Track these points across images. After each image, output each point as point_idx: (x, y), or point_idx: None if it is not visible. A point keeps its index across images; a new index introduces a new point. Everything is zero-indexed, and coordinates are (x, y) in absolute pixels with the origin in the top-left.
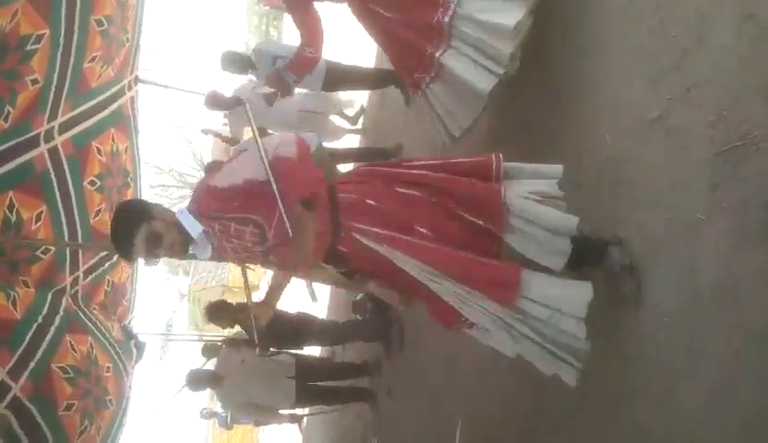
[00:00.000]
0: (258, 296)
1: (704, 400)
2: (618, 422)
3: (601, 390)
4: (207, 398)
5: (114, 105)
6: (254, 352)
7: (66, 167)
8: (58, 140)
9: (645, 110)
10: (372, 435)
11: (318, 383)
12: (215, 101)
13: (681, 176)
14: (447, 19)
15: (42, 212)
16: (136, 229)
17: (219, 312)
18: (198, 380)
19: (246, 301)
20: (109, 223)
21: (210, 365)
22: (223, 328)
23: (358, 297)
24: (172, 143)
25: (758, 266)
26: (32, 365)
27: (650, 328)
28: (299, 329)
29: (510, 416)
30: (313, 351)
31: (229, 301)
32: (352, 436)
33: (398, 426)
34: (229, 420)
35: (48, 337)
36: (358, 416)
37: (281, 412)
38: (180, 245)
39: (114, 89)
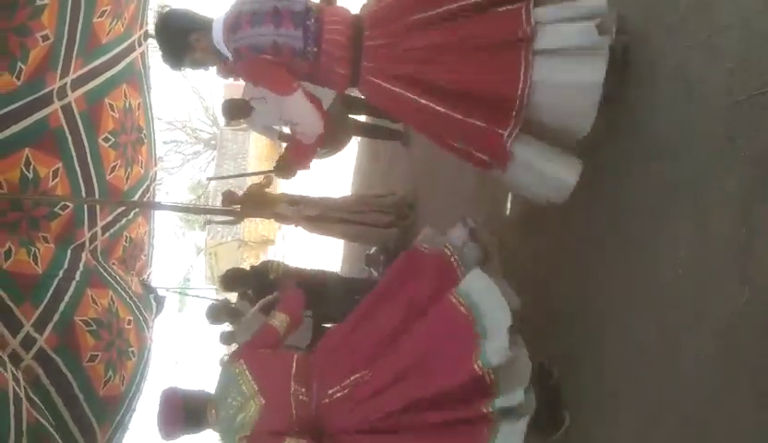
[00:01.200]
0: (272, 251)
1: (713, 349)
2: (627, 370)
3: (603, 341)
4: (225, 348)
5: (126, 61)
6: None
7: (80, 124)
8: (71, 97)
9: (661, 59)
10: None
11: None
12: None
13: (698, 127)
14: None
15: (58, 169)
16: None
17: (232, 279)
18: (216, 312)
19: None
20: (124, 179)
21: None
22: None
23: (372, 251)
24: (184, 98)
25: None
26: (56, 317)
27: (661, 279)
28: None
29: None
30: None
31: (243, 267)
32: None
33: None
34: None
35: (70, 291)
36: None
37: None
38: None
39: (124, 45)
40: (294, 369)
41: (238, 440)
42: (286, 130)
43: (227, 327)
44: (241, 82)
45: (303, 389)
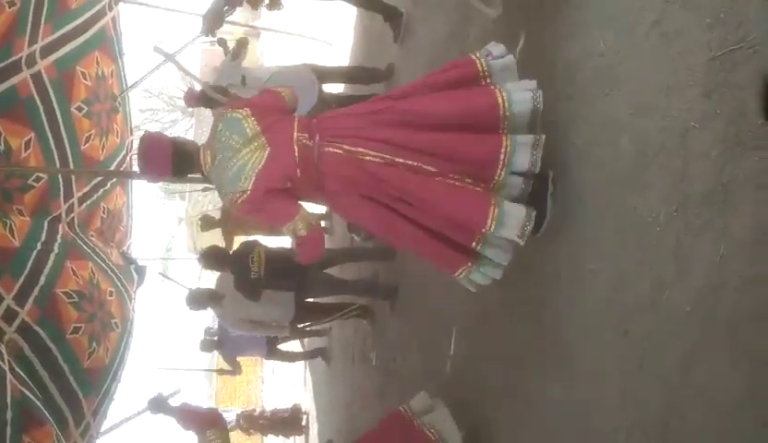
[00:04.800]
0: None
1: (690, 305)
2: (602, 328)
3: (588, 296)
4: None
5: (96, 26)
6: None
7: (51, 92)
8: (41, 64)
9: (641, 14)
10: (371, 349)
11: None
12: (197, 98)
13: (676, 83)
14: None
15: (30, 139)
16: None
17: (211, 258)
18: (197, 299)
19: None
20: (100, 149)
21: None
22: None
23: None
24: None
25: (748, 172)
26: (37, 290)
27: (638, 233)
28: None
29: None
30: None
31: (220, 246)
32: (351, 351)
33: (396, 340)
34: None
35: (49, 263)
36: (356, 331)
37: (281, 327)
38: None
39: (94, 10)
40: (296, 122)
41: (238, 195)
42: None
43: (209, 316)
44: (217, 47)
45: (305, 135)
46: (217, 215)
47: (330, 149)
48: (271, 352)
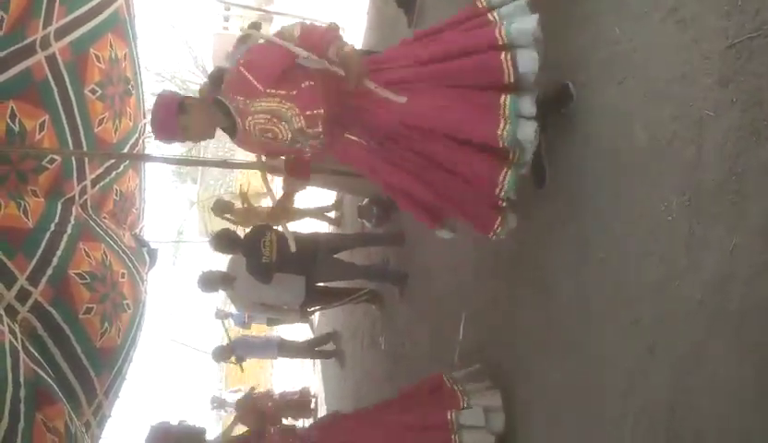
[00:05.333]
0: (266, 204)
1: (701, 295)
2: (612, 316)
3: (597, 284)
4: (221, 299)
5: (110, 9)
6: None
7: (65, 75)
8: (55, 47)
9: (657, 1)
10: (380, 334)
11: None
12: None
13: (691, 71)
14: None
15: (44, 121)
16: None
17: (224, 241)
18: (209, 281)
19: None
20: (113, 132)
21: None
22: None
23: (364, 202)
24: (172, 49)
25: (763, 162)
26: (50, 271)
27: (650, 221)
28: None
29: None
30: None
31: (232, 229)
32: (361, 335)
33: (405, 325)
34: (246, 319)
35: (62, 244)
36: (365, 315)
37: (291, 310)
38: None
39: None
40: None
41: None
42: None
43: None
44: (230, 31)
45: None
46: (232, 203)
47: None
48: (282, 348)
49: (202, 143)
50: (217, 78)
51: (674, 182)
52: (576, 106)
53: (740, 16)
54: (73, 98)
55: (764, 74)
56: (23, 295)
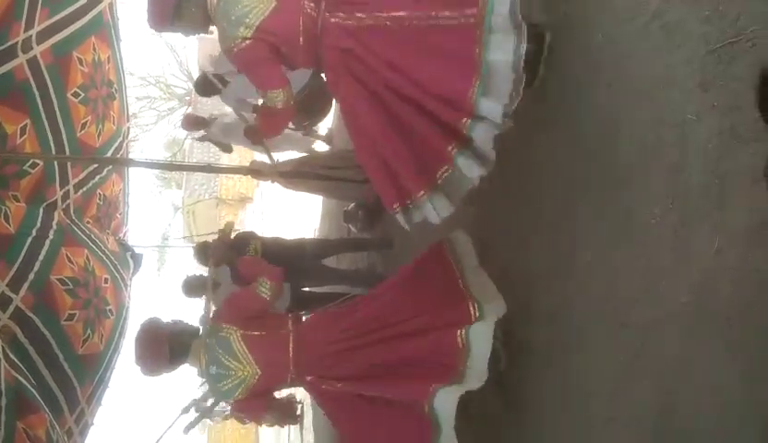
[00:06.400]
0: (251, 209)
1: (686, 297)
2: (599, 320)
3: (583, 292)
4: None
5: (93, 12)
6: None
7: (47, 78)
8: (37, 50)
9: (641, 5)
10: None
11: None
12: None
13: (674, 75)
14: None
15: (26, 125)
16: None
17: (194, 287)
18: (193, 287)
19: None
20: (96, 136)
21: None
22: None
23: (350, 206)
24: (157, 53)
25: (744, 166)
26: (31, 277)
27: (635, 225)
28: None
29: None
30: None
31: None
32: None
33: None
34: None
35: (44, 250)
36: None
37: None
38: None
39: None
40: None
41: (238, 42)
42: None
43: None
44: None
45: (312, 4)
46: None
47: (333, 20)
48: None
49: (187, 148)
50: (203, 85)
51: (658, 185)
52: (562, 110)
53: (721, 21)
54: (55, 101)
55: (744, 78)
56: (4, 302)
